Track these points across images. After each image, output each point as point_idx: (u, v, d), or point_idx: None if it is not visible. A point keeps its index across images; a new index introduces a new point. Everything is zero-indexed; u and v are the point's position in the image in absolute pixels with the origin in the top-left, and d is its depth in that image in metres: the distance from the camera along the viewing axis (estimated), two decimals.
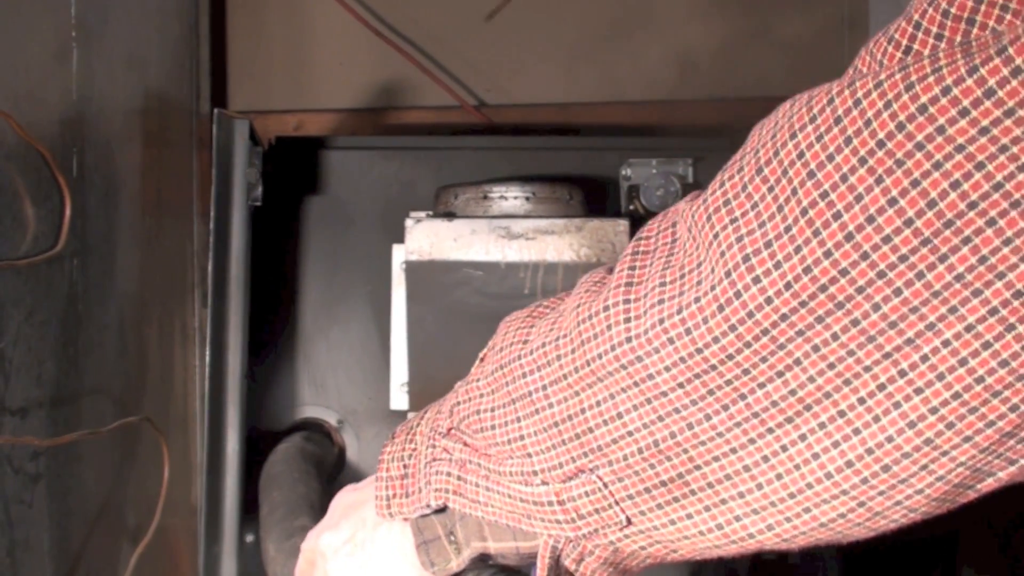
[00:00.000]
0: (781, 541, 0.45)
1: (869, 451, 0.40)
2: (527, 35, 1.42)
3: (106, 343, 0.97)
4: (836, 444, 0.41)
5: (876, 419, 0.40)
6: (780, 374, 0.41)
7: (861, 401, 0.40)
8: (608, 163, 1.09)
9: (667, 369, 0.43)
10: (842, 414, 0.40)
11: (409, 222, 0.99)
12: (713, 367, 0.42)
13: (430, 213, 1.02)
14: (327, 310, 1.09)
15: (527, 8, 1.41)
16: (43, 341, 0.82)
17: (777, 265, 0.39)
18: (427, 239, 0.98)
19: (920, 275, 0.37)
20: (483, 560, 0.57)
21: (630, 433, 0.45)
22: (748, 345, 0.41)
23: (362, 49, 1.40)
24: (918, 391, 0.38)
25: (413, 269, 0.98)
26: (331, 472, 1.05)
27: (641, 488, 0.46)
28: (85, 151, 0.91)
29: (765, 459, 0.43)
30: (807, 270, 0.39)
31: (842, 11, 1.40)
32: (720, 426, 0.43)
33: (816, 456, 0.41)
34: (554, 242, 0.97)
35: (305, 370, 1.09)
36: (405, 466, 0.57)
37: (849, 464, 0.41)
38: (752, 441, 0.43)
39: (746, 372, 0.41)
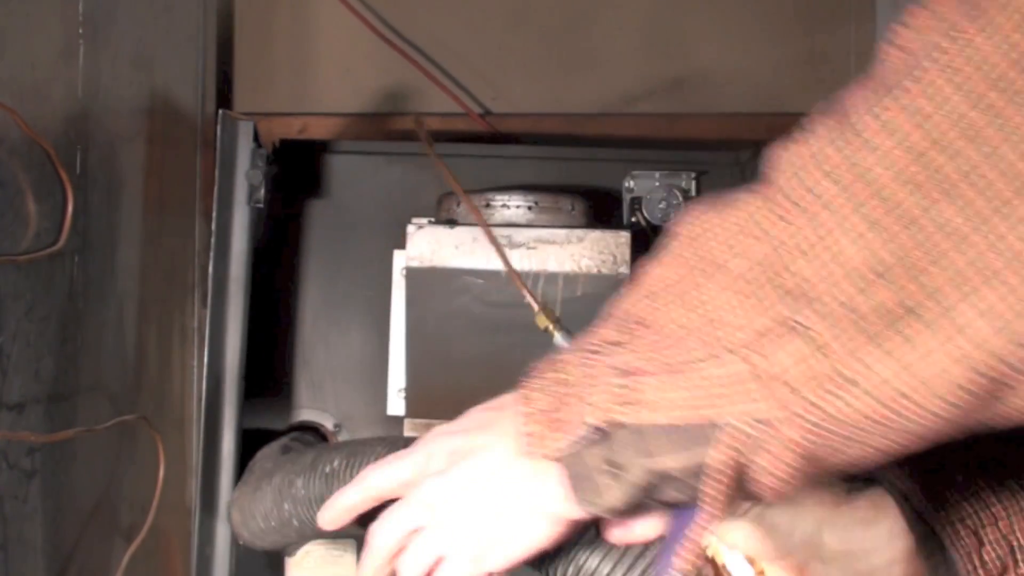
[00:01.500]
0: (1008, 343, 0.41)
1: None
2: (534, 44, 1.42)
3: (105, 341, 0.97)
4: None
5: None
6: (995, 150, 0.40)
7: None
8: (611, 175, 1.09)
9: (881, 162, 0.42)
10: None
11: (411, 228, 0.99)
12: (934, 141, 0.41)
13: (432, 220, 1.02)
14: (326, 314, 1.09)
15: (534, 17, 1.42)
16: (42, 337, 0.82)
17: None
18: (428, 246, 0.98)
19: None
20: (645, 490, 0.52)
21: (834, 257, 0.42)
22: (963, 117, 0.40)
23: (368, 54, 1.40)
24: None
25: (413, 275, 0.97)
26: None
27: (850, 322, 0.42)
28: (89, 148, 0.91)
29: (985, 252, 0.41)
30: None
31: (849, 31, 1.40)
32: (938, 218, 0.41)
33: None
34: (555, 252, 0.97)
35: (303, 373, 1.09)
36: (556, 397, 0.52)
37: None
38: (966, 238, 0.41)
39: (958, 154, 0.40)
